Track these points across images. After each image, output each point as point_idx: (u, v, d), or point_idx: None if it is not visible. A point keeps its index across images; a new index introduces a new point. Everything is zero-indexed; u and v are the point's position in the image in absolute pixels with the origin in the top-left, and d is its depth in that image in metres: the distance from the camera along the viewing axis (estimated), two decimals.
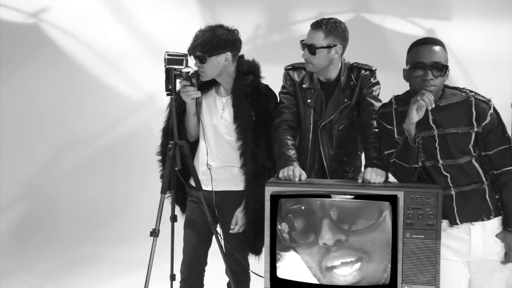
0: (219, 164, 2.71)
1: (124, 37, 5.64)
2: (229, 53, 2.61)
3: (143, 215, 4.04)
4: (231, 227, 2.69)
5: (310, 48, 2.54)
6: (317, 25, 2.55)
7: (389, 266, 2.18)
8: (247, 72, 2.68)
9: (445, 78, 2.23)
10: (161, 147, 2.83)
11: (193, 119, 2.75)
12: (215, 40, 2.57)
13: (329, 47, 2.54)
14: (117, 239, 5.12)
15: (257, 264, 2.74)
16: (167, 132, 2.76)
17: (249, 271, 2.76)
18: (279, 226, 2.25)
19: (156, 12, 5.61)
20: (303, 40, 2.60)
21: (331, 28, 2.54)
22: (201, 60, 2.59)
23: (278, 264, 2.26)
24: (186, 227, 2.82)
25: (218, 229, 2.76)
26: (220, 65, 2.62)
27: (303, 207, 2.24)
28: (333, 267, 2.22)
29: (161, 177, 2.80)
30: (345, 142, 2.68)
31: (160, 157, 2.83)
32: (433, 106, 2.15)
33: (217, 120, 2.71)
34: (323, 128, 2.66)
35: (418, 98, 2.14)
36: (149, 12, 5.62)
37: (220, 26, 2.64)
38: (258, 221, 2.55)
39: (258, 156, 2.62)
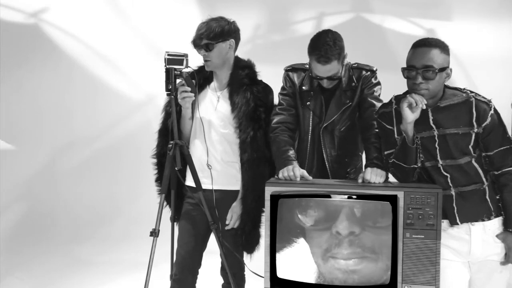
0: (218, 160, 2.72)
1: (124, 37, 5.64)
2: (232, 40, 2.70)
3: (143, 215, 4.04)
4: (226, 222, 2.70)
5: (329, 79, 2.54)
6: (326, 59, 2.45)
7: (390, 268, 2.18)
8: (244, 67, 2.74)
9: (446, 79, 2.22)
10: (157, 149, 2.84)
11: (189, 123, 2.78)
12: (220, 28, 2.66)
13: (342, 65, 2.56)
14: (117, 239, 5.12)
15: (249, 261, 2.75)
16: (163, 133, 2.78)
17: (251, 271, 2.75)
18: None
19: (156, 12, 5.60)
20: (316, 76, 2.54)
21: (340, 51, 2.49)
22: (208, 47, 2.64)
23: (279, 256, 2.24)
24: (180, 228, 2.82)
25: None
26: (225, 52, 2.68)
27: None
28: (337, 257, 2.20)
29: (156, 180, 2.82)
30: (347, 143, 2.68)
31: (155, 160, 2.84)
32: (425, 103, 2.16)
33: (212, 113, 2.73)
34: (325, 129, 2.66)
35: (407, 96, 2.17)
36: (149, 12, 5.62)
37: (222, 18, 2.72)
38: (255, 212, 2.60)
39: (258, 144, 2.64)
